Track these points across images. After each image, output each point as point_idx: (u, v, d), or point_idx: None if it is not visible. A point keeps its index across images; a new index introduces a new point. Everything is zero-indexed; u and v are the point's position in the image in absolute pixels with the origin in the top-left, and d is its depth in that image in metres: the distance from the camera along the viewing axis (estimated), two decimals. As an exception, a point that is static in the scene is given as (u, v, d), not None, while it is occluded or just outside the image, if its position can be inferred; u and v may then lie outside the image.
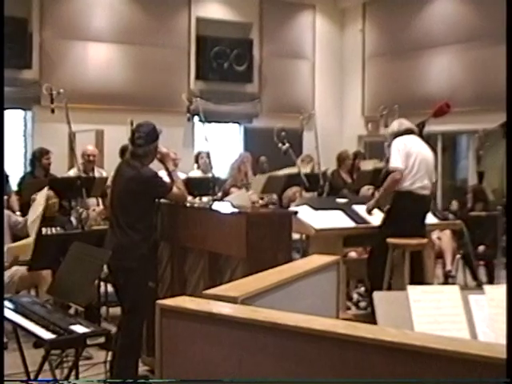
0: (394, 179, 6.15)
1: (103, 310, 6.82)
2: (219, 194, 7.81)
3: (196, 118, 10.39)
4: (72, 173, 8.56)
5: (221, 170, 10.32)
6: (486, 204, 8.89)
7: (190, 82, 12.42)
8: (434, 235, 7.92)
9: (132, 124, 6.90)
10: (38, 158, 8.78)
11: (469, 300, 3.11)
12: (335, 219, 6.54)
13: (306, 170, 9.19)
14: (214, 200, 5.59)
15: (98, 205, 8.01)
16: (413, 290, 3.24)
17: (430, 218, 7.02)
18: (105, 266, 5.10)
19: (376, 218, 6.52)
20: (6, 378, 3.98)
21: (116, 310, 6.06)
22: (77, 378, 4.19)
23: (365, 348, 1.92)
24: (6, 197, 7.79)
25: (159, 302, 2.36)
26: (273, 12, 13.21)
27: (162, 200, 5.08)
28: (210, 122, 10.78)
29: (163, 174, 5.18)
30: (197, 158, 9.86)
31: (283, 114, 12.15)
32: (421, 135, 7.05)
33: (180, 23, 12.36)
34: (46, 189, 6.97)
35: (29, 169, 9.20)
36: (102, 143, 10.42)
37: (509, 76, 2.53)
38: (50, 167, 8.83)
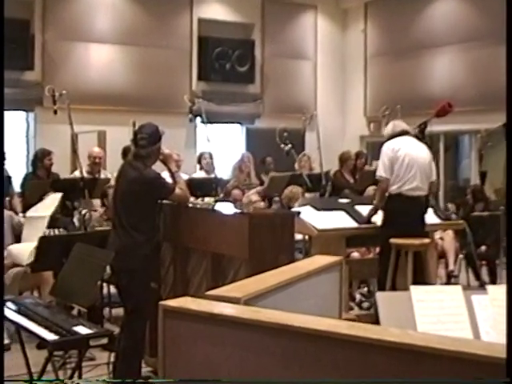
0: (381, 189, 6.32)
1: (106, 311, 6.82)
2: (221, 195, 7.83)
3: (198, 119, 10.41)
4: (77, 175, 8.57)
5: (223, 170, 10.32)
6: (486, 204, 8.88)
7: (192, 83, 12.42)
8: (437, 235, 7.92)
9: (134, 125, 6.91)
10: (40, 159, 8.79)
11: (472, 300, 3.11)
12: (338, 220, 6.54)
13: (304, 169, 9.20)
14: (217, 201, 5.60)
15: (102, 206, 8.02)
16: (416, 291, 3.24)
17: (433, 218, 7.02)
18: (108, 267, 5.10)
19: (379, 218, 6.52)
20: (8, 379, 3.98)
21: (119, 311, 6.07)
22: (80, 378, 4.19)
23: (368, 348, 1.92)
24: (8, 198, 7.81)
25: (162, 302, 2.36)
26: (275, 13, 13.20)
27: (165, 201, 5.08)
28: (212, 122, 10.77)
29: (166, 175, 5.19)
30: (200, 159, 9.86)
31: (285, 114, 12.15)
32: (423, 135, 7.05)
33: (182, 24, 12.36)
34: (58, 194, 6.97)
35: (31, 170, 9.22)
36: (104, 144, 10.42)
37: (509, 76, 2.53)
38: (52, 168, 8.84)
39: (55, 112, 7.34)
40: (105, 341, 4.01)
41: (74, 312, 5.05)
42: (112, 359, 4.85)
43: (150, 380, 4.88)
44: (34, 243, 5.77)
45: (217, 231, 4.74)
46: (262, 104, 13.12)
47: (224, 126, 12.99)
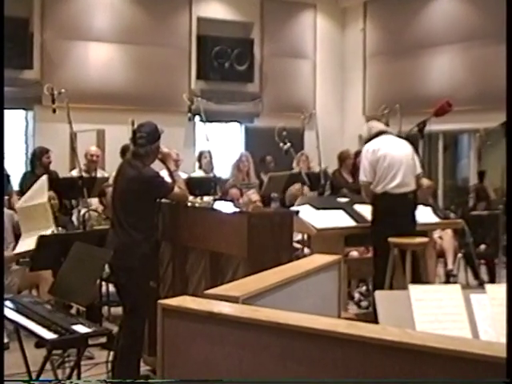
0: (366, 193, 6.38)
1: (105, 309, 6.82)
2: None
3: (197, 118, 10.40)
4: (75, 174, 8.57)
5: (222, 169, 10.32)
6: (488, 203, 8.88)
7: (191, 82, 12.41)
8: (436, 234, 7.93)
9: (133, 124, 6.91)
10: (38, 157, 8.79)
11: (470, 299, 3.11)
12: (336, 219, 6.55)
13: (303, 168, 9.20)
14: (216, 200, 5.59)
15: (100, 204, 8.02)
16: (414, 290, 3.24)
17: (431, 217, 7.03)
18: (106, 266, 5.11)
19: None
20: (7, 378, 3.98)
21: (118, 310, 6.07)
22: (79, 377, 4.19)
23: (366, 347, 1.93)
24: (7, 196, 7.80)
25: (161, 301, 2.37)
26: (274, 11, 13.19)
27: (164, 200, 5.08)
28: (211, 121, 10.75)
29: (164, 174, 5.19)
30: (199, 158, 9.86)
31: (284, 113, 12.14)
32: (422, 134, 7.06)
33: (181, 23, 12.36)
34: (44, 177, 6.90)
35: (29, 168, 9.21)
36: (103, 143, 10.42)
37: (509, 76, 2.53)
38: (50, 166, 8.84)
39: (54, 111, 7.34)
40: (103, 340, 4.01)
41: (73, 311, 5.05)
42: (111, 358, 4.86)
43: (150, 380, 4.88)
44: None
45: (216, 230, 4.74)
46: (261, 103, 13.12)
47: (223, 125, 12.99)
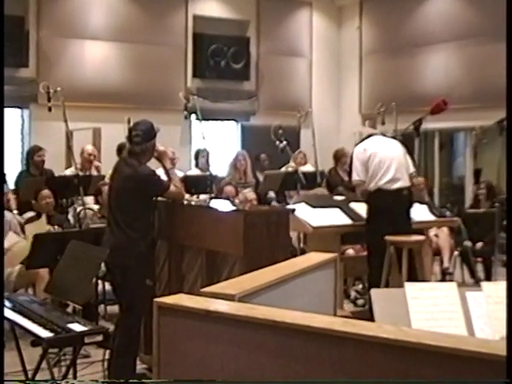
0: (360, 191, 6.40)
1: (101, 308, 6.81)
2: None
3: (193, 116, 10.35)
4: (69, 172, 8.55)
5: (218, 168, 10.31)
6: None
7: (187, 80, 12.40)
8: (432, 232, 7.94)
9: (129, 122, 6.89)
10: (31, 156, 8.77)
11: (466, 297, 3.11)
12: (332, 217, 6.55)
13: (300, 166, 9.21)
14: (212, 198, 5.59)
15: (96, 203, 8.01)
16: (410, 287, 3.25)
17: (427, 215, 7.03)
18: (103, 265, 5.10)
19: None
20: (5, 378, 3.97)
21: (114, 308, 6.07)
22: (75, 376, 4.19)
23: (362, 345, 1.93)
24: (3, 195, 7.79)
25: (156, 299, 2.37)
26: (270, 10, 13.19)
27: (160, 198, 5.08)
28: (207, 119, 10.75)
29: (161, 172, 5.18)
30: (196, 156, 9.85)
31: (280, 111, 12.14)
32: (418, 132, 7.06)
33: (177, 21, 12.35)
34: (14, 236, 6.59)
35: (24, 167, 9.20)
36: (99, 141, 10.41)
37: (509, 75, 2.53)
38: (46, 165, 8.82)
39: (50, 109, 7.33)
40: (100, 338, 4.00)
41: (69, 309, 5.05)
42: (107, 356, 4.85)
43: (144, 380, 4.87)
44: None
45: (212, 228, 4.74)
46: (257, 101, 13.12)
47: (219, 123, 12.98)
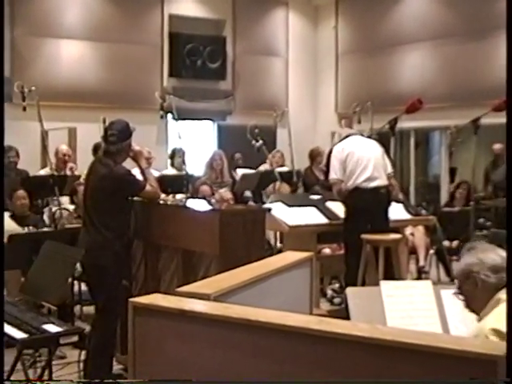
0: (337, 190, 6.40)
1: (77, 308, 6.77)
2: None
3: (169, 116, 10.34)
4: (43, 172, 8.48)
5: (195, 167, 10.29)
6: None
7: (163, 80, 12.36)
8: (407, 231, 7.97)
9: (105, 122, 6.86)
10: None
11: (441, 295, 3.14)
12: (309, 216, 6.56)
13: (277, 165, 9.22)
14: (188, 197, 5.58)
15: (71, 203, 7.96)
16: (386, 286, 3.27)
17: (403, 214, 7.07)
18: (78, 265, 5.07)
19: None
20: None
21: (90, 309, 6.03)
22: (50, 377, 4.16)
23: (337, 343, 1.93)
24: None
25: (132, 299, 2.36)
26: (246, 9, 13.19)
27: (136, 198, 5.06)
28: (183, 119, 10.72)
29: (136, 172, 5.16)
30: (172, 156, 9.82)
31: (257, 111, 12.13)
32: (393, 132, 7.11)
33: (153, 20, 12.30)
34: None
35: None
36: (74, 141, 10.35)
37: (509, 73, 2.55)
38: (21, 165, 8.73)
39: (24, 108, 7.28)
40: (75, 338, 3.98)
41: (45, 310, 5.01)
42: (83, 357, 4.82)
43: (119, 380, 4.84)
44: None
45: (188, 228, 4.73)
46: (234, 101, 13.11)
47: (195, 123, 12.96)
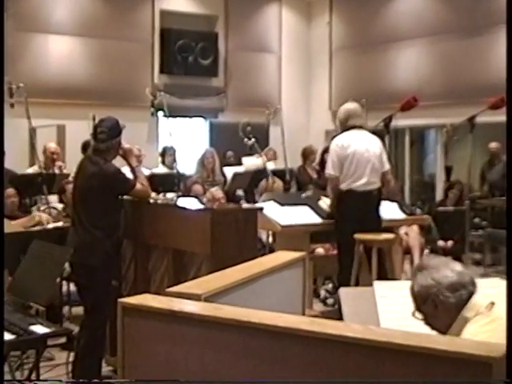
0: (332, 186, 6.35)
1: (66, 309, 6.76)
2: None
3: (160, 113, 10.36)
4: (31, 170, 8.46)
5: (186, 165, 10.29)
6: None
7: (153, 76, 12.35)
8: (402, 230, 7.98)
9: (94, 119, 6.86)
10: None
11: (435, 295, 3.14)
12: (302, 215, 6.56)
13: (270, 163, 9.22)
14: (179, 196, 5.58)
15: (60, 202, 7.95)
16: (379, 286, 3.28)
17: (397, 213, 7.08)
18: (67, 265, 5.06)
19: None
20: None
21: (79, 310, 6.02)
22: (38, 379, 4.15)
23: (329, 344, 1.94)
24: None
25: (121, 300, 2.36)
26: (238, 5, 13.19)
27: (126, 197, 5.06)
28: (174, 116, 10.74)
29: (126, 170, 5.16)
30: (163, 154, 9.82)
31: (249, 108, 12.14)
32: (387, 130, 7.11)
33: (143, 16, 12.29)
34: None
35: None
36: (63, 139, 10.33)
37: (509, 71, 2.56)
38: (8, 163, 8.69)
39: (12, 105, 7.26)
40: (63, 340, 3.97)
41: (32, 311, 5.00)
42: (71, 359, 4.82)
43: (106, 380, 4.84)
44: None
45: (179, 227, 4.74)
46: (226, 98, 13.11)
47: (187, 120, 12.96)
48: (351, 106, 6.59)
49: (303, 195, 7.19)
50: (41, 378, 4.26)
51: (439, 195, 11.23)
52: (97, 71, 11.73)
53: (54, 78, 11.36)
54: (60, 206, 7.58)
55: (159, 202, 5.39)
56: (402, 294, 3.04)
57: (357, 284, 6.02)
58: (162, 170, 9.33)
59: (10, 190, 7.19)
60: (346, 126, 6.39)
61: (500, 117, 2.72)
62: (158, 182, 7.41)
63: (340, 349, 1.93)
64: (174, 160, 8.86)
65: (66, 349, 4.90)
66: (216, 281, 2.74)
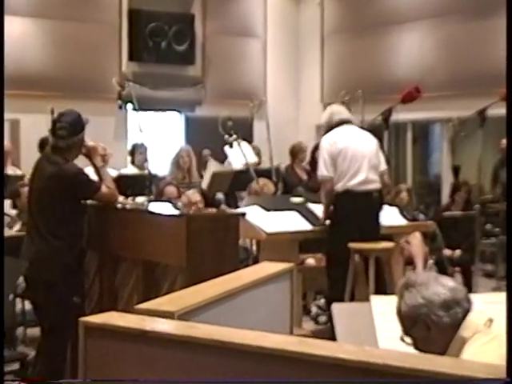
0: (325, 189, 6.38)
1: (20, 331, 6.75)
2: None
3: (129, 106, 10.34)
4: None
5: (159, 166, 10.29)
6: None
7: (121, 64, 12.33)
8: (403, 238, 8.01)
9: (53, 113, 6.86)
10: None
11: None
12: (289, 221, 6.58)
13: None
14: (150, 201, 5.59)
15: (13, 207, 7.93)
16: (377, 301, 3.29)
17: (398, 219, 7.10)
18: (22, 280, 5.05)
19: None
20: None
21: (35, 331, 6.01)
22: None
23: (320, 367, 1.94)
24: None
25: (83, 319, 2.36)
26: (217, -18, 13.22)
27: (89, 201, 5.06)
28: (145, 110, 10.72)
29: (90, 171, 5.16)
30: (132, 152, 9.81)
31: (230, 100, 12.17)
32: (387, 124, 7.14)
33: (109, -5, 12.30)
34: None
35: None
36: (17, 135, 10.31)
37: (509, 66, 2.59)
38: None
39: (-42, 97, 7.23)
40: (17, 366, 3.97)
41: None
42: (27, 387, 4.81)
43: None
44: None
45: (150, 236, 4.74)
46: (204, 89, 13.12)
47: (159, 114, 12.96)
48: (332, 106, 6.73)
49: (292, 199, 7.20)
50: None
51: (445, 198, 11.27)
52: (55, 58, 11.69)
53: (7, 66, 11.27)
54: (13, 213, 7.57)
55: (128, 207, 5.41)
56: (402, 310, 3.04)
57: (352, 299, 6.05)
58: (131, 170, 9.33)
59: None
60: (332, 123, 6.45)
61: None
62: (127, 185, 7.41)
63: (332, 372, 1.94)
64: (145, 159, 8.86)
65: (20, 376, 4.88)
66: (192, 296, 2.75)
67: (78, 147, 4.98)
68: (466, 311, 2.77)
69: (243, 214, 5.49)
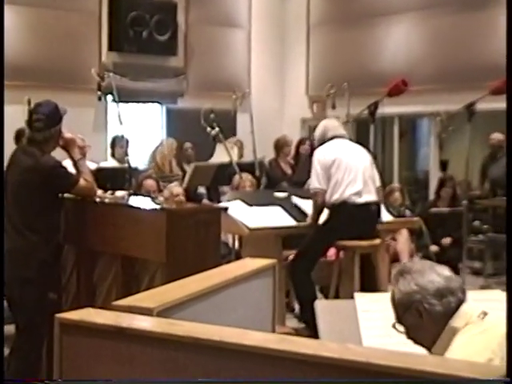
0: (316, 203, 6.40)
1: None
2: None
3: (109, 98, 10.31)
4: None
5: (139, 159, 10.28)
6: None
7: (101, 54, 12.29)
8: (389, 235, 8.04)
9: (29, 103, 6.82)
10: None
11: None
12: (273, 217, 6.58)
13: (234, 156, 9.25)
14: (130, 194, 5.58)
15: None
16: (361, 299, 3.30)
17: (384, 215, 7.13)
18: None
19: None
20: None
21: (10, 329, 5.99)
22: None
23: (301, 365, 1.95)
24: None
25: (59, 315, 2.35)
26: (201, -29, 13.19)
27: (67, 195, 5.05)
28: (125, 101, 10.69)
29: (68, 164, 5.15)
30: (112, 145, 9.79)
31: (213, 92, 12.16)
32: (373, 118, 7.16)
33: (89, -18, 12.24)
34: None
35: None
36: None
37: (509, 62, 2.60)
38: None
39: None
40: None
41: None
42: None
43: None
44: None
45: (129, 230, 4.74)
46: (186, 80, 13.09)
47: (140, 106, 12.92)
48: (326, 120, 6.78)
49: (275, 194, 7.21)
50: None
51: (433, 194, 11.31)
52: (32, 47, 11.63)
53: (-17, 55, 11.27)
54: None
55: (107, 201, 5.39)
56: (387, 307, 3.05)
57: (336, 296, 6.06)
58: (110, 163, 9.32)
59: None
60: (325, 138, 6.48)
61: (503, 104, 2.74)
62: (106, 178, 7.38)
63: (314, 371, 1.94)
64: (125, 152, 8.83)
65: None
66: (171, 292, 2.75)
67: (56, 139, 4.97)
68: (460, 301, 2.80)
69: (225, 209, 5.49)
